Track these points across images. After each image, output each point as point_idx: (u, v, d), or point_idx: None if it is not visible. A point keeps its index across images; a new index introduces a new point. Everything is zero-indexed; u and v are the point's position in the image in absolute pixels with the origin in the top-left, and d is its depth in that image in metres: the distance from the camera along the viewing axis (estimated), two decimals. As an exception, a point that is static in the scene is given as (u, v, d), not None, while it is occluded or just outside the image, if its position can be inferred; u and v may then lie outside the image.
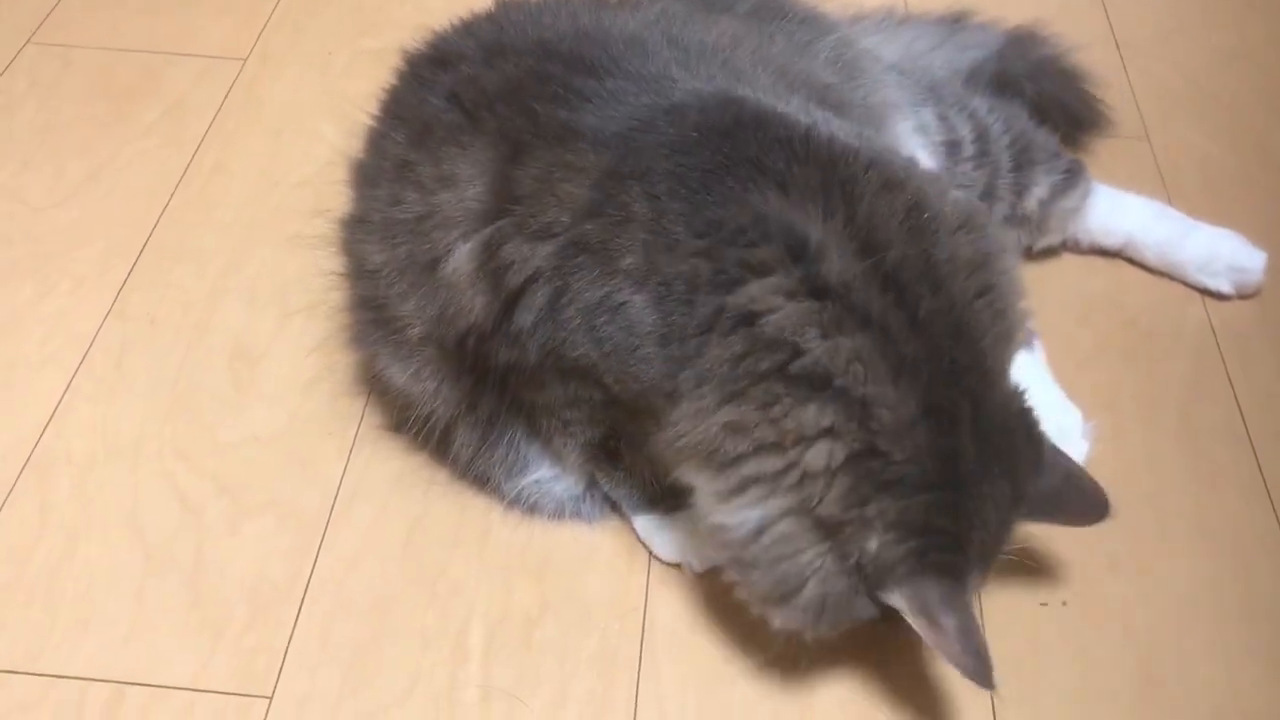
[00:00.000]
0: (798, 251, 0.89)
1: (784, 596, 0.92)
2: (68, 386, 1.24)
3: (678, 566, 1.10)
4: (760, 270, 0.89)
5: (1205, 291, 1.35)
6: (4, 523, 1.12)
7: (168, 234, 1.40)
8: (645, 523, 1.12)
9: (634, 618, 1.07)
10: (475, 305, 0.99)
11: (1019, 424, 0.95)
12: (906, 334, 0.89)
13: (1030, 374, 1.17)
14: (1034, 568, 1.10)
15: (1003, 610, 1.07)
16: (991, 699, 1.01)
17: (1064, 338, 1.27)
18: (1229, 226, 1.36)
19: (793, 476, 0.88)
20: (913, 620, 0.90)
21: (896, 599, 0.90)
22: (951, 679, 1.01)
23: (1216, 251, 1.33)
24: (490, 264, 0.97)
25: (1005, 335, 0.96)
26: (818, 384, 0.87)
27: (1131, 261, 1.38)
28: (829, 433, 0.87)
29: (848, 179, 0.92)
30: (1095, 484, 0.99)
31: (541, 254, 0.95)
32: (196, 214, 1.42)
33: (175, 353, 1.27)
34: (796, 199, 0.91)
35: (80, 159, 1.48)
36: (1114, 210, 1.37)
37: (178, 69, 1.63)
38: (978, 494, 0.90)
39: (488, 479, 1.13)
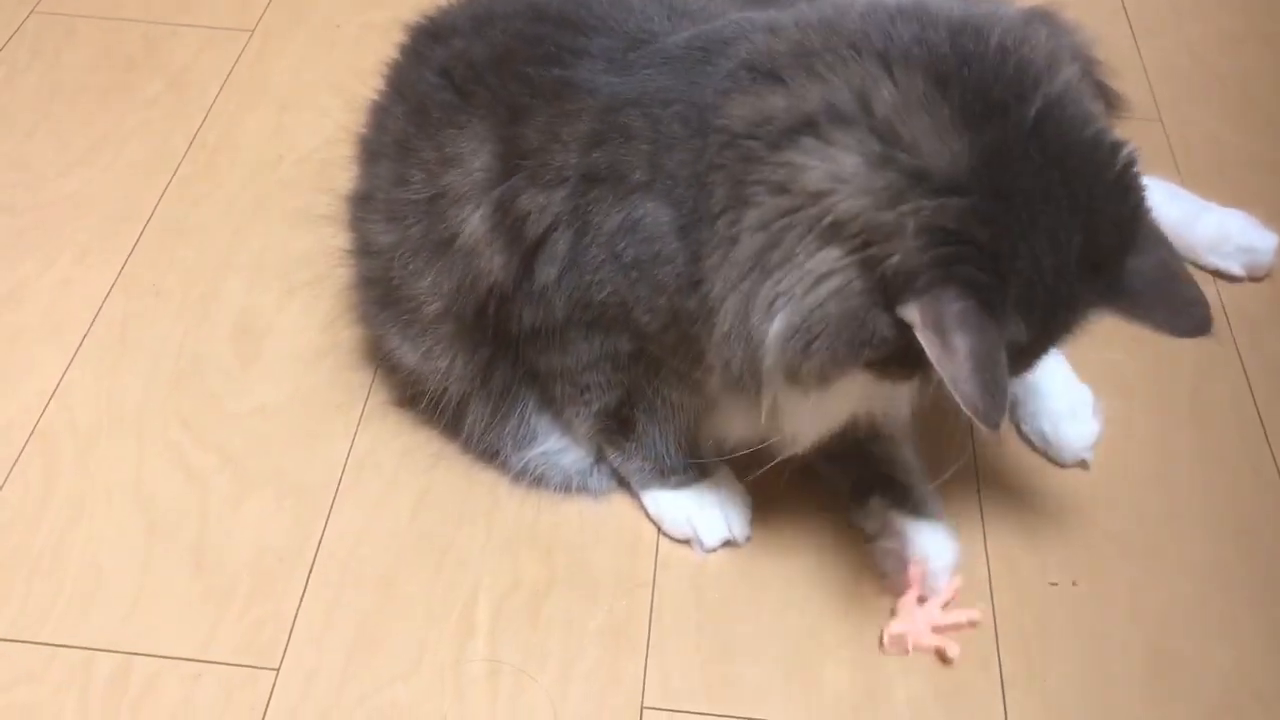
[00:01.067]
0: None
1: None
2: (72, 358, 1.23)
3: (686, 543, 1.10)
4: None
5: (1216, 273, 1.34)
6: (9, 494, 1.12)
7: (172, 207, 1.39)
8: (654, 499, 1.11)
9: (642, 593, 1.06)
10: (494, 265, 0.98)
11: (1108, 166, 0.83)
12: (941, 38, 0.83)
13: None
14: (1044, 547, 1.09)
15: (1012, 590, 1.07)
16: (1000, 673, 1.00)
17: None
18: (1240, 207, 1.35)
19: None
20: (923, 337, 0.79)
21: (912, 311, 0.79)
22: (965, 651, 1.01)
23: (1227, 232, 1.33)
24: (506, 220, 0.96)
25: (1070, 57, 0.86)
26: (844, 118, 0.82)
27: (1143, 243, 1.37)
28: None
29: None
30: (1197, 290, 0.86)
31: (557, 200, 0.94)
32: (201, 187, 1.41)
33: (180, 325, 1.26)
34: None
35: (84, 130, 1.47)
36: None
37: (182, 40, 1.61)
38: (1030, 214, 0.79)
39: (496, 452, 1.13)
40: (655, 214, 0.90)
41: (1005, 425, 1.15)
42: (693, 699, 0.99)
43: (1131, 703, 1.00)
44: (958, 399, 0.79)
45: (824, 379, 0.86)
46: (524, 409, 1.10)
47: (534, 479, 1.13)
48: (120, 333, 1.25)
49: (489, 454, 1.14)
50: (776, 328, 0.84)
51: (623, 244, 0.92)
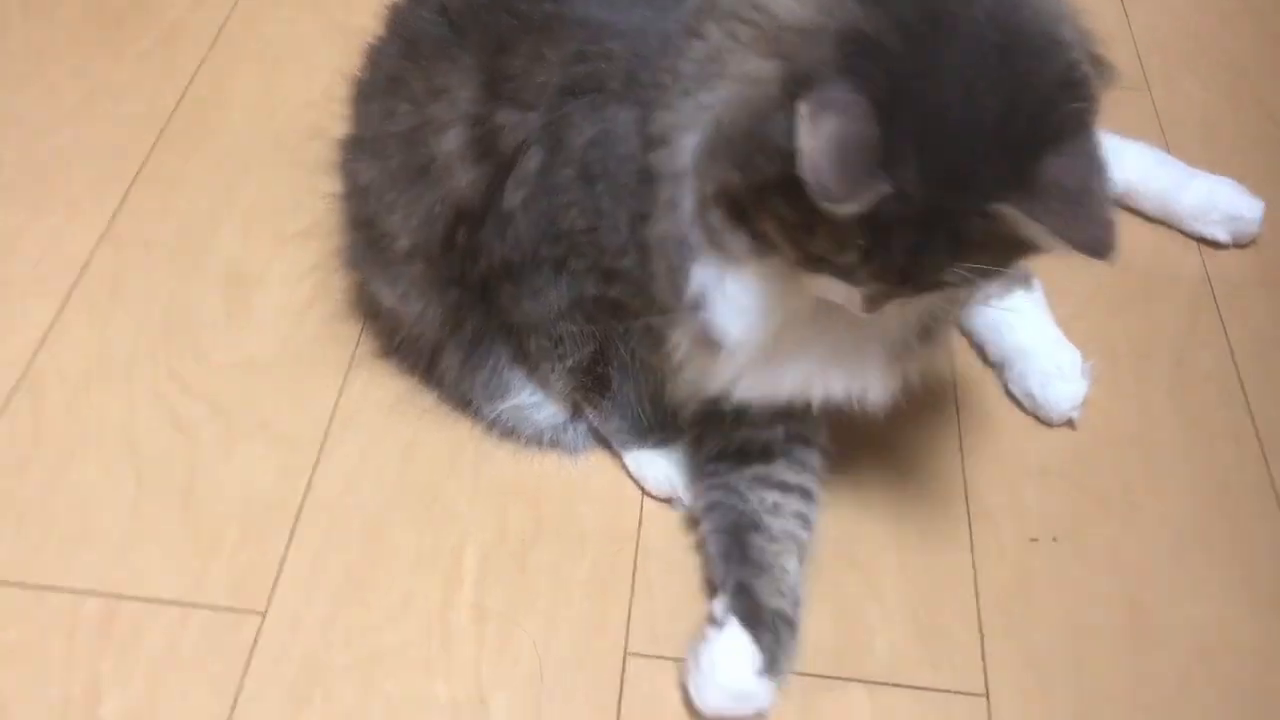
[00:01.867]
0: None
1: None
2: (61, 308, 1.23)
3: (669, 502, 1.11)
4: None
5: (1202, 240, 1.35)
6: (-3, 439, 1.12)
7: (163, 159, 1.39)
8: (635, 458, 1.12)
9: (628, 544, 1.07)
10: (463, 183, 0.98)
11: (1058, 65, 0.77)
12: None
13: (1030, 313, 1.19)
14: (1024, 504, 1.11)
15: (993, 545, 1.08)
16: (979, 625, 1.02)
17: (1061, 284, 1.27)
18: (1228, 165, 1.36)
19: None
20: (800, 127, 0.72)
21: (802, 106, 0.73)
22: (945, 603, 1.02)
23: (1214, 200, 1.34)
24: (479, 132, 0.96)
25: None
26: None
27: (1130, 210, 1.38)
28: None
29: None
30: (1109, 216, 0.77)
31: (532, 118, 0.94)
32: (191, 140, 1.41)
33: (170, 277, 1.27)
34: None
35: (75, 82, 1.47)
36: (1114, 158, 1.35)
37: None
38: (955, 60, 0.75)
39: (469, 401, 1.13)
40: (624, 119, 0.90)
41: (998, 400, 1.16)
42: (675, 646, 1.00)
43: (1109, 654, 1.01)
44: (806, 174, 0.72)
45: (733, 221, 0.83)
46: (496, 361, 1.10)
47: (505, 431, 1.13)
48: (110, 284, 1.26)
49: (462, 404, 1.14)
50: (695, 140, 0.83)
51: (592, 158, 0.91)
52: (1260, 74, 1.58)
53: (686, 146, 0.85)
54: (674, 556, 1.07)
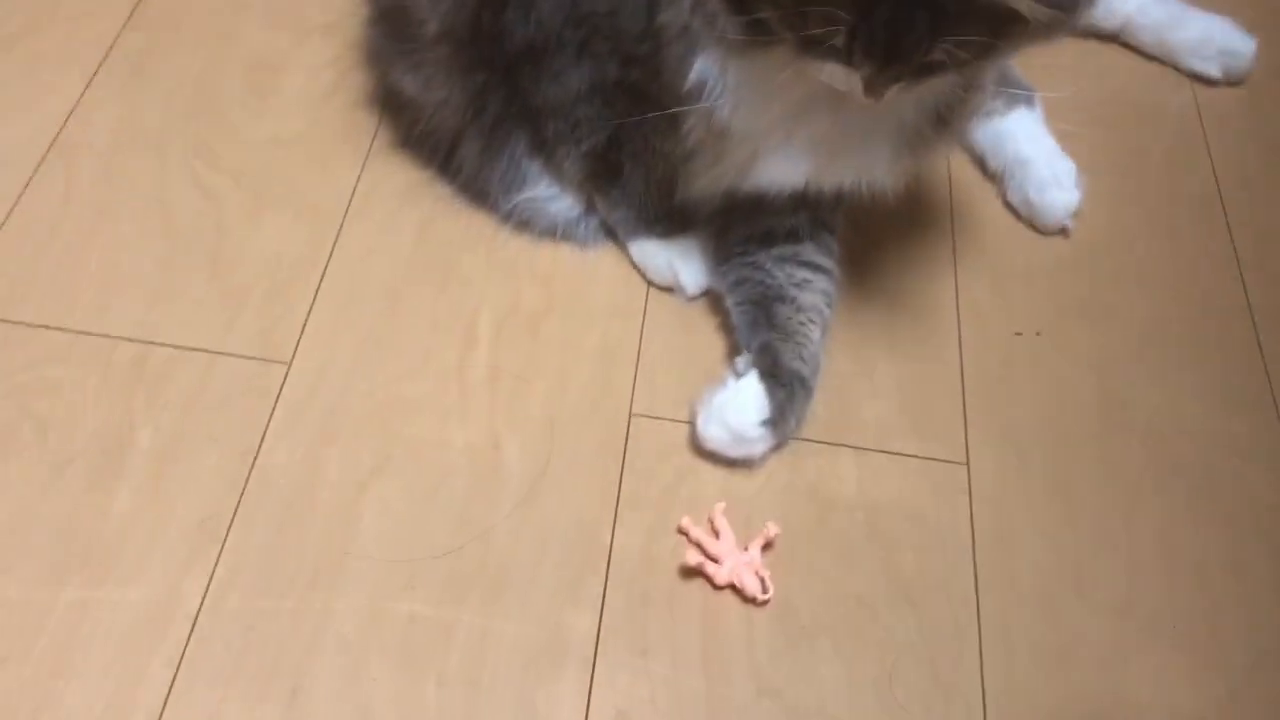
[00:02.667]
0: None
1: None
2: (89, 82, 1.26)
3: (670, 291, 1.16)
4: None
5: (1195, 76, 1.40)
6: (31, 197, 1.16)
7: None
8: (639, 247, 1.16)
9: (634, 320, 1.13)
10: None
11: None
12: None
13: (1030, 127, 1.24)
14: (1010, 301, 1.17)
15: (979, 337, 1.14)
16: (963, 403, 1.09)
17: (1056, 109, 1.31)
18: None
19: None
20: None
21: None
22: (931, 378, 1.09)
23: (1210, 35, 1.38)
24: None
25: None
26: None
27: (1127, 46, 1.42)
28: None
29: None
30: None
31: None
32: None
33: (196, 59, 1.30)
34: None
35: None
36: (1114, -6, 1.41)
37: None
38: None
39: (486, 194, 1.17)
40: None
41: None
42: (675, 410, 1.07)
43: (1079, 433, 1.08)
44: None
45: (733, 8, 0.87)
46: (514, 150, 1.13)
47: (520, 222, 1.17)
48: (137, 62, 1.29)
49: (480, 195, 1.18)
50: None
51: None
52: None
53: None
54: (677, 334, 1.13)
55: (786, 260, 1.09)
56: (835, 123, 0.96)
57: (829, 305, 1.09)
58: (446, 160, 1.18)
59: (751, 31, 0.87)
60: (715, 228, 1.14)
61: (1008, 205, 1.24)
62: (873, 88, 0.87)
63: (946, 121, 0.99)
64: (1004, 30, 0.83)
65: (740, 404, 1.01)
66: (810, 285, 1.08)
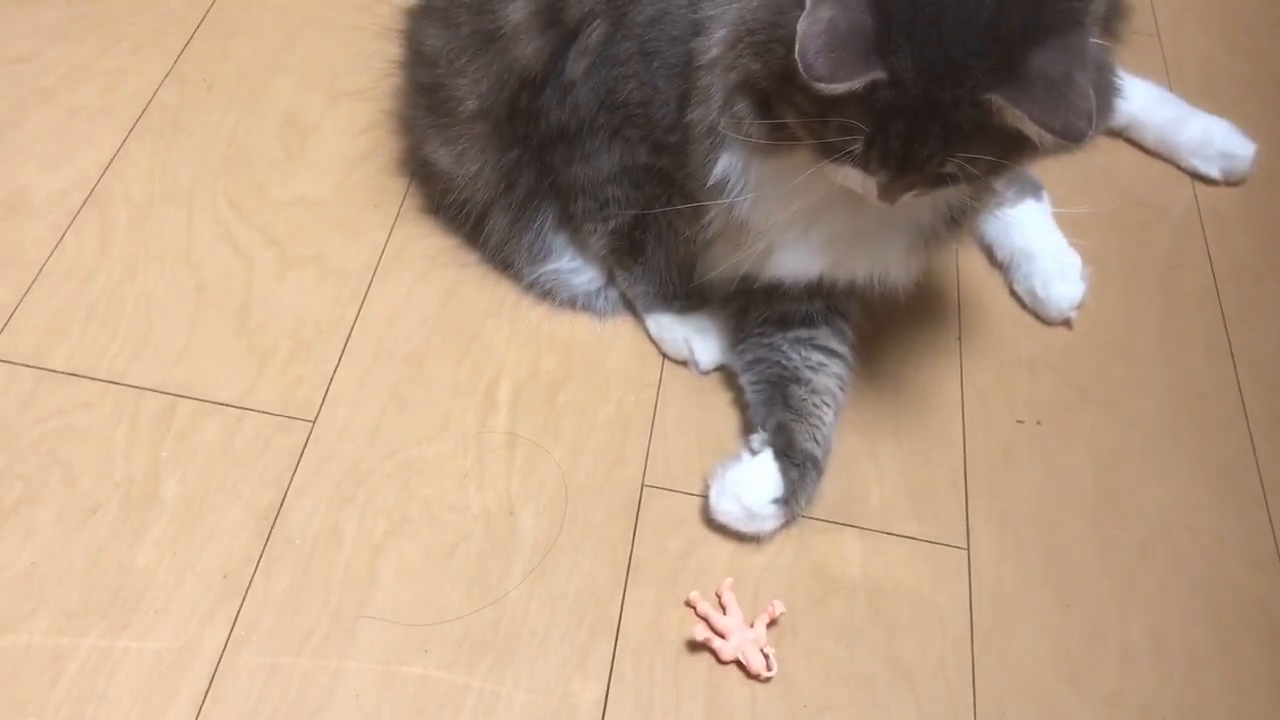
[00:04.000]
0: None
1: None
2: (127, 135, 1.30)
3: (684, 365, 1.19)
4: None
5: (1195, 175, 1.44)
6: (67, 248, 1.19)
7: (226, 10, 1.45)
8: (656, 321, 1.20)
9: (649, 391, 1.16)
10: (529, 51, 1.04)
11: None
12: None
13: (1038, 220, 1.28)
14: (1013, 390, 1.20)
15: (983, 422, 1.18)
16: (965, 489, 1.12)
17: (1061, 203, 1.36)
18: (1228, 115, 1.45)
19: None
20: (803, 13, 0.81)
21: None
22: (935, 467, 1.12)
23: (1210, 137, 1.43)
24: (545, 3, 1.03)
25: None
26: None
27: (1131, 142, 1.47)
28: None
29: None
30: (1088, 105, 0.81)
31: None
32: (252, -5, 1.48)
33: (229, 117, 1.34)
34: None
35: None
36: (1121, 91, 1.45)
37: None
38: None
39: (511, 263, 1.21)
40: (679, 1, 0.96)
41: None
42: (687, 482, 1.10)
43: (1078, 523, 1.12)
44: (797, 55, 0.79)
45: (758, 111, 0.90)
46: (542, 223, 1.17)
47: (543, 292, 1.21)
48: (173, 118, 1.33)
49: (504, 264, 1.22)
50: (722, 34, 0.90)
51: (651, 34, 0.98)
52: (1261, 28, 1.67)
53: (718, 37, 0.92)
54: (691, 408, 1.16)
55: (802, 343, 1.12)
56: (851, 221, 1.01)
57: (842, 389, 1.12)
58: (475, 229, 1.21)
59: (775, 135, 0.91)
60: (734, 309, 1.17)
61: (1014, 295, 1.28)
62: (887, 193, 0.90)
63: (958, 222, 1.04)
64: (1015, 151, 0.87)
65: (754, 481, 1.04)
66: (825, 369, 1.11)
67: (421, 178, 1.29)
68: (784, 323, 1.13)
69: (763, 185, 0.97)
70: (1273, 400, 1.23)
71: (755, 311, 1.15)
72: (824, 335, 1.13)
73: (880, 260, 1.04)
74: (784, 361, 1.12)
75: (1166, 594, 1.08)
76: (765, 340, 1.13)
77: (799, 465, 1.05)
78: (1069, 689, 1.01)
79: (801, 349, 1.12)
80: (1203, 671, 1.03)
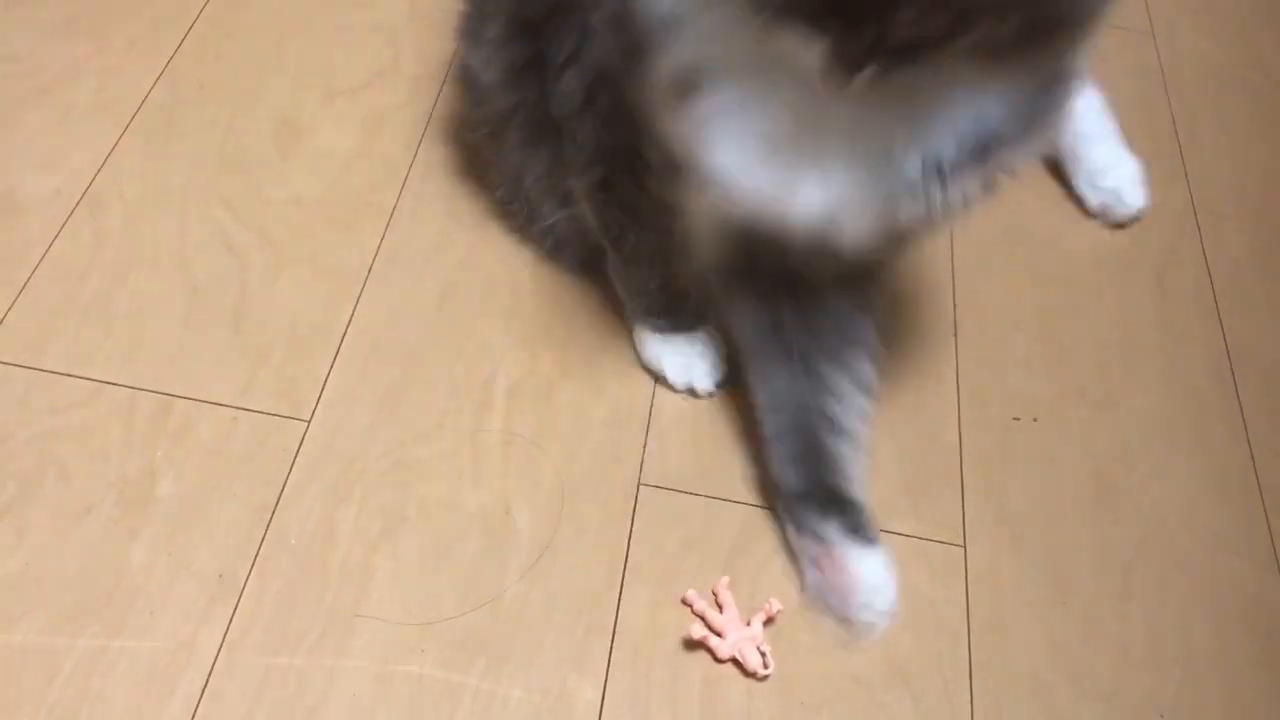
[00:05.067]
0: None
1: None
2: (121, 134, 1.30)
3: (689, 393, 1.16)
4: None
5: (1077, 197, 1.38)
6: (60, 246, 1.19)
7: (219, 10, 1.45)
8: (650, 342, 1.16)
9: (645, 391, 1.16)
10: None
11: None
12: None
13: (1095, 122, 1.35)
14: (1010, 387, 1.20)
15: (979, 419, 1.18)
16: (962, 485, 1.12)
17: (1054, 203, 1.37)
18: (1222, 114, 1.45)
19: None
20: None
21: None
22: (933, 467, 1.12)
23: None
24: None
25: None
26: None
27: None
28: None
29: None
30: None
31: None
32: (246, -4, 1.47)
33: (223, 116, 1.33)
34: None
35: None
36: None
37: None
38: None
39: (529, 203, 1.18)
40: None
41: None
42: (683, 481, 1.09)
43: (1076, 520, 1.11)
44: None
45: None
46: (554, 155, 1.09)
47: (557, 244, 1.20)
48: (167, 118, 1.32)
49: (522, 201, 1.19)
50: None
51: None
52: (1256, 27, 1.68)
53: None
54: (688, 407, 1.16)
55: (828, 362, 1.10)
56: (845, 137, 0.84)
57: (864, 423, 1.11)
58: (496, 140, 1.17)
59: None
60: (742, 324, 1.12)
61: (1081, 197, 1.36)
62: (834, 70, 0.73)
63: (989, 150, 0.84)
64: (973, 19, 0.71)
65: (886, 574, 1.04)
66: (849, 401, 1.10)
67: (418, 175, 1.29)
68: (810, 337, 1.10)
69: (725, 95, 0.84)
70: (1269, 397, 1.23)
71: (759, 314, 1.10)
72: (848, 359, 1.11)
73: (884, 188, 0.85)
74: (809, 404, 1.08)
75: (1163, 590, 1.08)
76: (785, 369, 1.09)
77: (853, 501, 1.06)
78: (1066, 685, 1.01)
79: (828, 378, 1.09)
80: (1200, 668, 1.03)
